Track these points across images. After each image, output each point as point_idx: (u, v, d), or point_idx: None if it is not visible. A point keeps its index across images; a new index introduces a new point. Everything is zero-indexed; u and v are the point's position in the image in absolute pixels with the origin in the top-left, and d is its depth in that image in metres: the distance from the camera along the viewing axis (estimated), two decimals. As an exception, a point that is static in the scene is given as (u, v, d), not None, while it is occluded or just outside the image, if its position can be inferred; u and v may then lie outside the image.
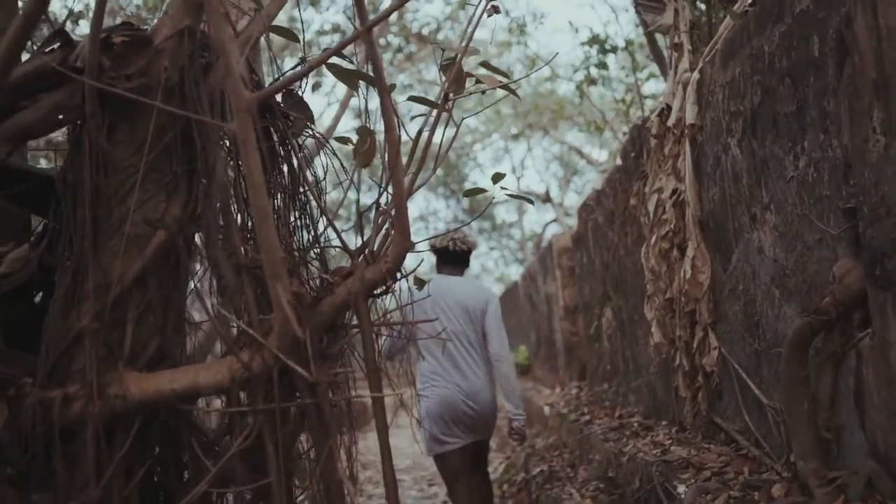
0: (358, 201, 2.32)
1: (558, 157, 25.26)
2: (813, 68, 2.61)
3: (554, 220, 25.03)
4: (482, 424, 4.47)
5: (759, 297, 3.24)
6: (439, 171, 26.37)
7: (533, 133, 21.35)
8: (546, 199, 26.12)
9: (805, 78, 2.67)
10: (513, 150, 25.51)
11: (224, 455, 2.11)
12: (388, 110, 2.10)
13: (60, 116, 2.21)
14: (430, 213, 29.27)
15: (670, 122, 3.98)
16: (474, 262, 32.47)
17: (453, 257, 4.62)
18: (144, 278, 2.22)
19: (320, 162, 2.59)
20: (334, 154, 2.65)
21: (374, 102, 2.21)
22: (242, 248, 2.19)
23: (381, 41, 13.06)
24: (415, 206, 28.27)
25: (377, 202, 2.34)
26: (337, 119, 11.44)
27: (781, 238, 2.96)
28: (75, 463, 2.06)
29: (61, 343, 2.13)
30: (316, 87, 8.28)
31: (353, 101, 13.62)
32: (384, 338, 4.11)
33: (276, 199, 2.48)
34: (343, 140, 2.65)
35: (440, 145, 2.45)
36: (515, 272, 27.02)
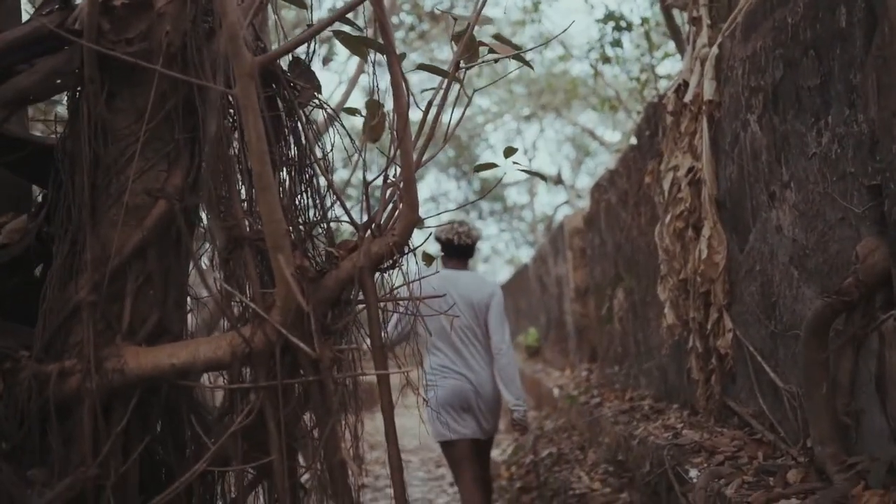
0: (364, 173, 2.24)
1: (571, 138, 25.10)
2: (839, 40, 2.51)
3: (566, 203, 24.90)
4: (490, 417, 4.53)
5: (776, 277, 3.15)
6: (450, 152, 26.23)
7: (545, 114, 21.19)
8: (558, 181, 25.95)
9: (831, 50, 2.57)
10: (525, 132, 25.31)
11: (224, 433, 2.05)
12: (397, 76, 2.02)
13: (58, 81, 2.14)
14: (440, 193, 29.16)
15: (687, 99, 3.88)
16: (485, 245, 32.46)
17: (459, 250, 4.63)
18: (144, 250, 2.16)
19: (329, 136, 2.52)
20: (342, 126, 2.58)
21: (385, 78, 2.13)
22: (245, 220, 2.12)
23: (394, 20, 12.92)
24: (426, 187, 28.18)
25: (385, 174, 2.27)
26: (346, 96, 11.32)
27: (802, 217, 2.88)
28: (72, 439, 2.01)
29: (58, 316, 2.08)
30: (326, 61, 8.11)
31: (364, 80, 13.51)
32: (392, 318, 4.12)
33: (283, 170, 2.41)
34: (352, 111, 2.57)
35: (450, 117, 2.37)
36: (526, 255, 26.94)
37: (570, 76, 17.27)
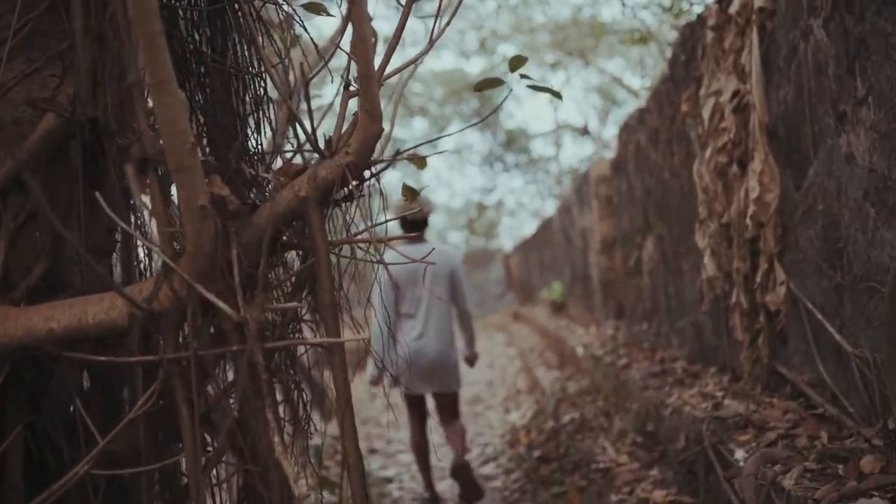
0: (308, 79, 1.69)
1: (597, 87, 24.19)
2: None
3: (592, 154, 24.13)
4: (449, 376, 4.98)
5: (845, 217, 2.58)
6: (474, 102, 25.46)
7: (572, 61, 20.33)
8: (584, 132, 25.15)
9: (932, -84, 1.97)
10: (550, 81, 24.44)
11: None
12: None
13: None
14: (464, 146, 28.52)
15: (733, 10, 3.27)
16: (509, 198, 32.02)
17: (416, 224, 4.98)
18: (23, 180, 1.64)
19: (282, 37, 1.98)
20: (301, 25, 2.05)
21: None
22: (151, 135, 1.58)
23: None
24: (450, 140, 27.53)
25: (346, 80, 1.72)
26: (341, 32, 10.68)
27: (882, 140, 2.29)
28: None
29: None
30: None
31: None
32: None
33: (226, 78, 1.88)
34: (315, 7, 2.01)
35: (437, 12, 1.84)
36: (551, 208, 26.28)
37: (596, 20, 16.39)
